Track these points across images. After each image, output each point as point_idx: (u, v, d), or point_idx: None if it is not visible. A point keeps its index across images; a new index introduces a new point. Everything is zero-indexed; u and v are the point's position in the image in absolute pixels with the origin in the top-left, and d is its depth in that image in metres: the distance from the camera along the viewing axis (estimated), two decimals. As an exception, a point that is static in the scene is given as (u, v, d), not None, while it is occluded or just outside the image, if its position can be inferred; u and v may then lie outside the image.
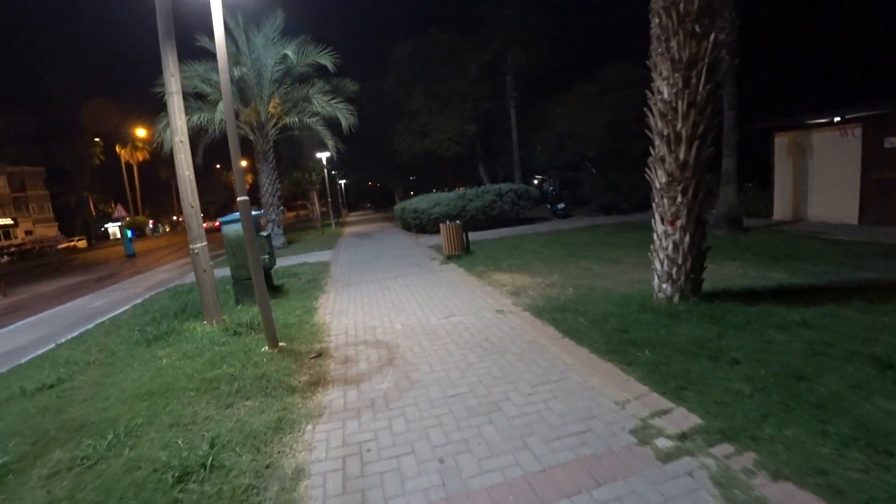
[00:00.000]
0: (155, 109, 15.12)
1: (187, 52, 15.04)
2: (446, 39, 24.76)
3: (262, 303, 4.95)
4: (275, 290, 8.27)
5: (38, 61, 69.17)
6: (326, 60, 15.12)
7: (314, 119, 15.28)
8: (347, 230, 23.58)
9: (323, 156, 22.91)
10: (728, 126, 10.58)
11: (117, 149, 52.56)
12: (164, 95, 11.19)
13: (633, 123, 17.40)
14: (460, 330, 5.20)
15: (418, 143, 26.13)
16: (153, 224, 76.06)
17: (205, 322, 6.31)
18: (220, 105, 13.49)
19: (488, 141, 27.17)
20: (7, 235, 46.62)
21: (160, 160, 64.35)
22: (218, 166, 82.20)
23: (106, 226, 62.25)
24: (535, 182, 28.86)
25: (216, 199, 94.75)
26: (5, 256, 36.87)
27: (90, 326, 7.73)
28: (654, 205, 5.12)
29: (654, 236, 5.14)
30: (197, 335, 5.79)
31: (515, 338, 4.71)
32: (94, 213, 66.80)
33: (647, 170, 5.12)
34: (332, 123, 15.93)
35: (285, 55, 14.86)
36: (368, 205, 74.66)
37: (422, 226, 15.94)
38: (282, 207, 16.31)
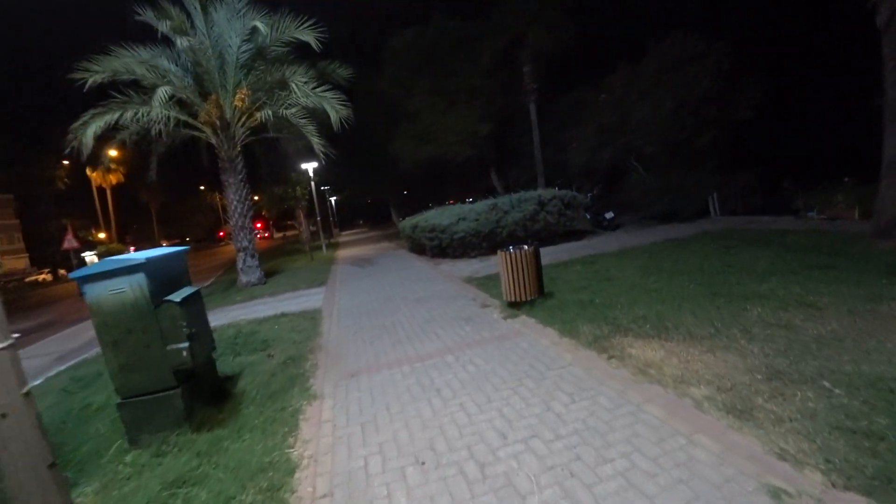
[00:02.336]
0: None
1: (128, 31, 11.27)
2: (453, 26, 21.26)
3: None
4: (218, 397, 4.37)
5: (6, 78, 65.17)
6: (309, 37, 11.39)
7: (294, 111, 11.48)
8: (342, 253, 19.67)
9: (309, 166, 19.11)
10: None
11: (87, 171, 48.35)
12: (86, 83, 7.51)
13: (704, 108, 13.92)
14: None
15: (421, 148, 22.44)
16: (133, 250, 71.54)
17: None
18: (159, 92, 9.67)
19: (502, 143, 23.57)
20: (-34, 269, 42.41)
21: (139, 183, 60.64)
22: (202, 187, 78.68)
23: (83, 255, 58.13)
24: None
25: (203, 221, 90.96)
26: (-49, 295, 32.45)
27: None
28: None
29: None
30: None
31: None
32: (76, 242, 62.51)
33: None
34: (320, 120, 12.17)
35: (254, 29, 11.11)
36: (361, 222, 70.79)
37: (441, 248, 12.11)
38: (255, 232, 12.46)
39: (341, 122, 11.41)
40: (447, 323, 6.12)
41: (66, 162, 46.22)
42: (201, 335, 4.01)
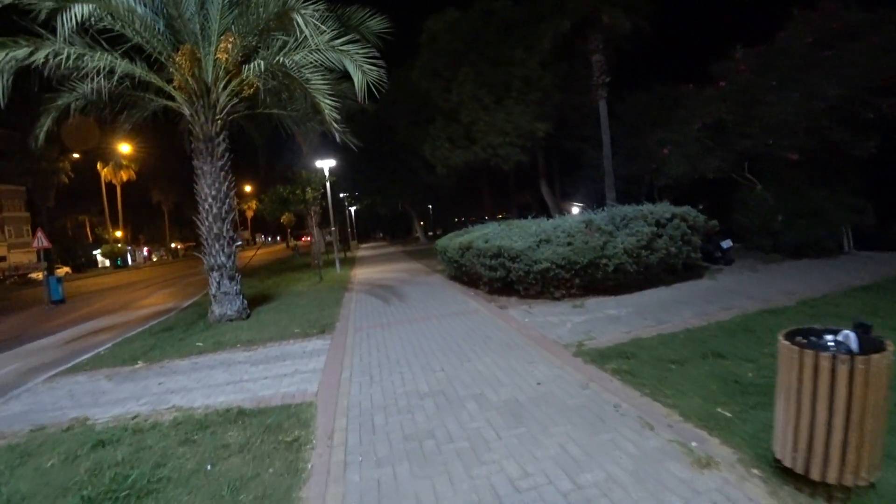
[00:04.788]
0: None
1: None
2: (502, 6, 17.65)
3: None
4: None
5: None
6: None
7: (298, 58, 7.68)
8: (360, 274, 15.83)
9: (324, 164, 15.45)
10: None
11: (98, 167, 45.96)
12: None
13: (877, 100, 9.83)
14: None
15: (458, 152, 18.69)
16: (148, 251, 69.80)
17: None
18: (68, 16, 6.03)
19: (558, 149, 19.68)
20: (-29, 261, 40.51)
21: (151, 181, 58.46)
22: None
23: (95, 252, 56.07)
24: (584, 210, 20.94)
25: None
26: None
27: None
28: None
29: None
30: None
31: None
32: (90, 238, 60.88)
33: None
34: (342, 104, 8.45)
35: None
36: (381, 235, 67.27)
37: (507, 281, 8.16)
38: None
39: (370, 91, 7.63)
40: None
41: (76, 155, 43.90)
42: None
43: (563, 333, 5.79)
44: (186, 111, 8.43)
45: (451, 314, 7.42)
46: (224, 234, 8.33)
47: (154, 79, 8.16)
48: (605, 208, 9.30)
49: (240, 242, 8.16)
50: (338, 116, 7.53)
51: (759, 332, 5.24)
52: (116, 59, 7.34)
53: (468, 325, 6.64)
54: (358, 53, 7.65)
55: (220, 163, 8.34)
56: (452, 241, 10.21)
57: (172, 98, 8.55)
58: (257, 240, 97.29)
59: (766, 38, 11.61)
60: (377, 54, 7.73)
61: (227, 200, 8.45)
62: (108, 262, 50.92)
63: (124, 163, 47.45)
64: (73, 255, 57.42)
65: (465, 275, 9.98)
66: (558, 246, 7.45)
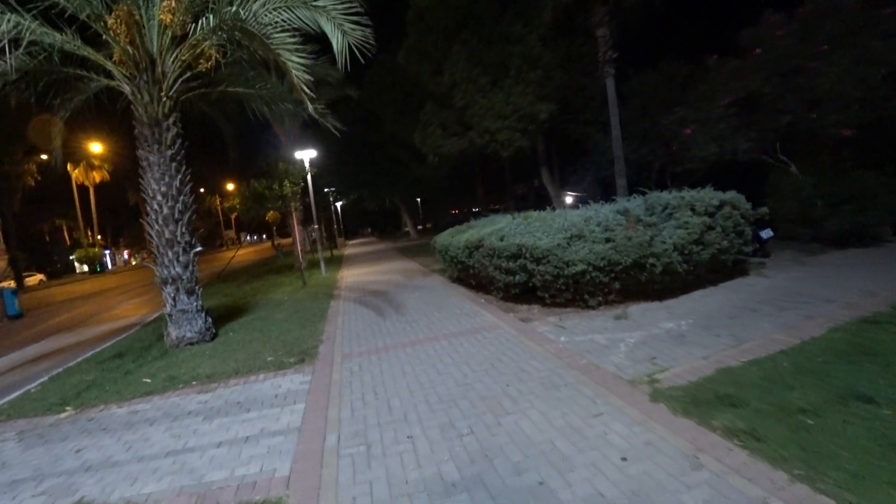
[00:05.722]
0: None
1: None
2: (499, -21, 16.11)
3: None
4: None
5: None
6: None
7: (256, 8, 6.10)
8: (348, 276, 14.30)
9: (305, 155, 13.83)
10: None
11: (68, 168, 43.46)
12: None
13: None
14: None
15: (453, 139, 17.16)
16: (128, 255, 67.51)
17: None
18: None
19: (560, 134, 18.24)
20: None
21: (127, 182, 55.91)
22: (202, 190, 74.13)
23: (72, 257, 53.64)
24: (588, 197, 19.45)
25: (200, 226, 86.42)
26: None
27: None
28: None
29: None
30: None
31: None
32: (68, 242, 58.53)
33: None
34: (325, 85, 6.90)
35: None
36: (369, 230, 65.46)
37: (528, 286, 6.73)
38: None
39: (353, 54, 6.10)
40: None
41: (45, 157, 41.48)
42: None
43: (620, 361, 4.39)
44: (127, 89, 6.81)
45: (465, 332, 5.96)
46: (178, 238, 6.76)
47: (86, 51, 6.53)
48: (616, 198, 7.95)
49: (199, 248, 6.63)
50: (309, 78, 5.96)
51: (884, 355, 3.91)
52: (25, 20, 5.70)
53: (490, 349, 5.19)
54: (336, 9, 6.09)
55: (169, 152, 6.75)
56: (455, 239, 8.72)
57: (112, 75, 6.94)
58: (242, 240, 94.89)
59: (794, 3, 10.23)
60: (361, 10, 6.17)
61: (182, 198, 6.87)
62: (86, 268, 48.66)
63: (96, 163, 45.08)
64: (50, 261, 54.95)
65: (471, 278, 8.52)
66: (595, 243, 6.02)
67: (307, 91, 5.93)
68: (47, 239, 58.69)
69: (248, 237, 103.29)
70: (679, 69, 14.81)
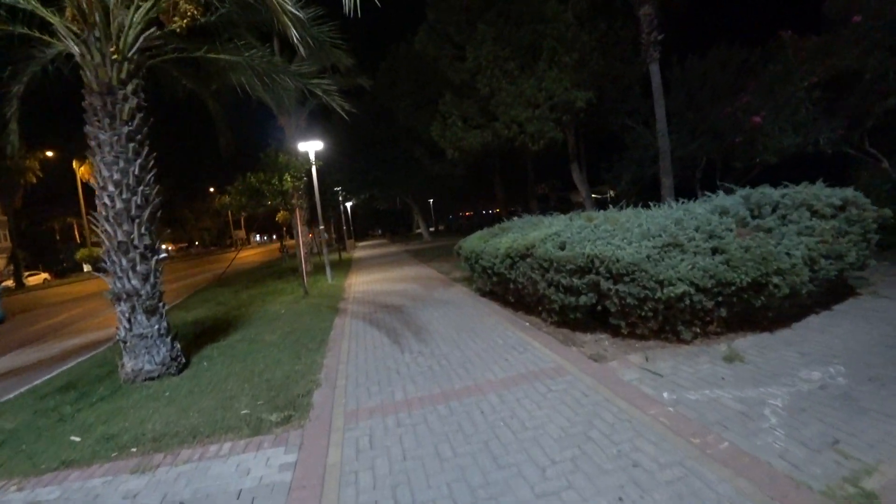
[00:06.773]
0: None
1: None
2: (528, -47, 14.43)
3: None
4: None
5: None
6: None
7: None
8: (357, 284, 12.69)
9: (310, 147, 12.25)
10: None
11: (74, 165, 42.56)
12: None
13: None
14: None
15: (475, 132, 15.49)
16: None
17: None
18: None
19: (594, 126, 16.48)
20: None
21: (135, 180, 55.17)
22: (212, 189, 73.38)
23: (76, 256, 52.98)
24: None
25: (210, 226, 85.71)
26: None
27: None
28: None
29: None
30: None
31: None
32: (78, 241, 58.06)
33: None
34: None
35: None
36: (380, 232, 63.93)
37: (597, 309, 5.02)
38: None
39: (370, 7, 4.45)
40: None
41: (49, 153, 40.72)
42: None
43: (786, 449, 2.66)
44: (75, 49, 5.24)
45: (519, 379, 4.26)
46: (135, 242, 5.16)
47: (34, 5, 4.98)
48: (666, 201, 6.25)
49: (164, 255, 5.03)
50: (304, 34, 4.34)
51: None
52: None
53: (566, 413, 3.49)
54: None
55: (126, 129, 5.16)
56: (489, 245, 7.02)
57: (57, 34, 5.38)
58: (251, 241, 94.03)
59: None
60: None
61: (142, 189, 5.28)
62: (90, 267, 47.84)
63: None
64: (56, 260, 54.26)
65: (509, 293, 6.82)
66: (697, 255, 4.31)
67: (298, 40, 4.30)
68: (57, 237, 58.22)
69: (258, 238, 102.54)
70: (733, 54, 13.02)
